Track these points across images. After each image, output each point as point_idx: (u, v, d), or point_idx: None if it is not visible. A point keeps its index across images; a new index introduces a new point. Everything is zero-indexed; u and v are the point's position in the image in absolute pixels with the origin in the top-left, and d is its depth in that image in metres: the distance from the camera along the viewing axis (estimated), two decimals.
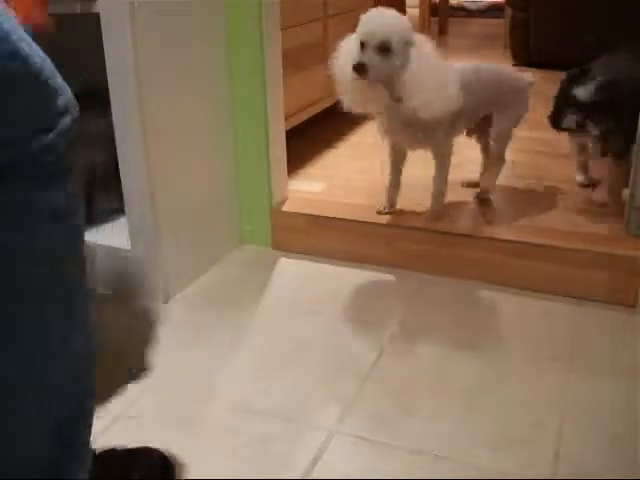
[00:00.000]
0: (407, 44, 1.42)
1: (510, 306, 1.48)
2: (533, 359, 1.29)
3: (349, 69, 1.42)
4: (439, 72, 1.46)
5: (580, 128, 1.56)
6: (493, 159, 1.74)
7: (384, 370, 1.27)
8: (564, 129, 1.62)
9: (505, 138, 1.71)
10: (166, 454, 1.02)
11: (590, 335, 1.36)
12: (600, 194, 1.69)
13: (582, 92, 1.53)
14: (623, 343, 1.33)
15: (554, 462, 1.04)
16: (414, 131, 1.54)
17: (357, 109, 1.54)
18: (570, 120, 1.57)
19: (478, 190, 1.77)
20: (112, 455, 0.97)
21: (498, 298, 1.50)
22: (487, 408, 1.16)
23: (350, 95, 1.51)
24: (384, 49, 1.40)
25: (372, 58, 1.39)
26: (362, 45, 1.41)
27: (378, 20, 1.43)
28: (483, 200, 1.74)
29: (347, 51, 1.47)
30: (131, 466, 0.96)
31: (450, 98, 1.45)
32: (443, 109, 1.46)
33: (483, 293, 1.52)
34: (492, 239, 1.55)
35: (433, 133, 1.55)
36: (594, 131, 1.55)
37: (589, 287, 1.47)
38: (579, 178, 1.82)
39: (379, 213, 1.67)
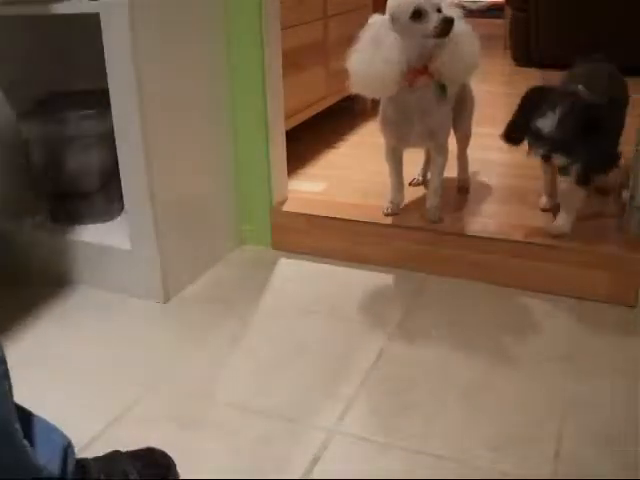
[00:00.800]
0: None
1: (510, 306, 1.48)
2: (533, 359, 1.29)
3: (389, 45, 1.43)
4: (473, 38, 1.54)
5: (548, 159, 1.52)
6: (464, 155, 1.84)
7: (384, 370, 1.27)
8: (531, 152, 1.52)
9: (470, 133, 1.81)
10: (168, 454, 1.02)
11: (590, 335, 1.36)
12: (558, 224, 1.54)
13: (545, 125, 1.44)
14: (623, 343, 1.33)
15: (554, 462, 1.04)
16: (429, 120, 1.54)
17: (387, 92, 1.51)
18: (537, 153, 1.50)
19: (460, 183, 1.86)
20: (115, 456, 0.97)
21: (498, 298, 1.50)
22: (487, 408, 1.16)
23: (387, 77, 1.46)
24: (439, 11, 1.44)
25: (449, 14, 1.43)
26: (417, 14, 1.41)
27: None
28: (464, 189, 1.84)
29: (379, 33, 1.45)
30: (133, 466, 0.96)
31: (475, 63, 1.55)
32: (472, 72, 1.56)
33: (483, 293, 1.52)
34: (492, 239, 1.55)
35: (445, 123, 1.58)
36: (561, 161, 1.49)
37: (589, 287, 1.47)
38: (543, 201, 1.69)
39: (386, 215, 1.67)
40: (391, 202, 1.68)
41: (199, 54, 1.55)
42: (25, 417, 0.84)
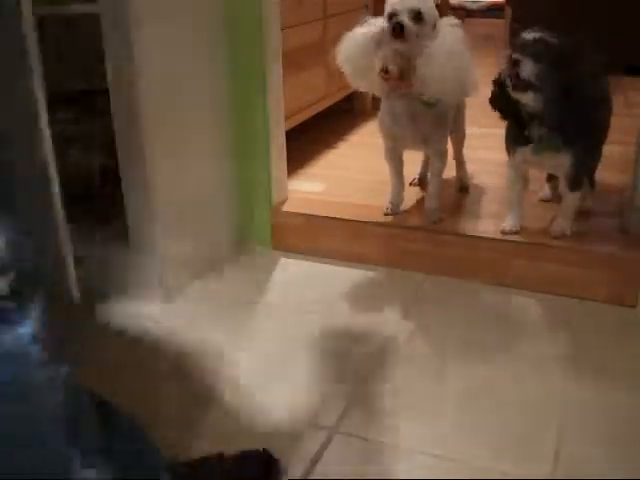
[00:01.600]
0: (433, 22, 1.46)
1: (510, 306, 1.48)
2: (533, 359, 1.29)
3: (365, 44, 1.48)
4: (461, 55, 1.47)
5: (515, 66, 1.34)
6: (460, 156, 1.83)
7: (384, 370, 1.26)
8: (499, 99, 1.43)
9: (464, 134, 1.81)
10: (273, 455, 1.00)
11: (590, 335, 1.36)
12: (559, 227, 1.54)
13: (531, 34, 1.37)
14: (623, 343, 1.33)
15: (554, 462, 1.04)
16: (420, 126, 1.54)
17: (365, 87, 1.58)
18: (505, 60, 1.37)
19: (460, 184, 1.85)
20: (218, 458, 0.97)
21: (498, 298, 1.50)
22: (487, 408, 1.16)
23: (361, 70, 1.52)
24: (416, 17, 1.42)
25: (408, 21, 1.42)
26: (391, 16, 1.43)
27: None
28: (464, 188, 1.84)
29: (362, 32, 1.50)
30: (236, 467, 0.95)
31: (471, 84, 1.49)
32: (461, 94, 1.52)
33: (483, 293, 1.52)
34: (492, 239, 1.55)
35: (439, 129, 1.57)
36: (528, 72, 1.33)
37: (589, 287, 1.47)
38: (508, 223, 1.57)
39: (386, 215, 1.67)
40: (391, 202, 1.68)
41: (199, 54, 1.54)
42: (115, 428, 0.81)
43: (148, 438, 0.87)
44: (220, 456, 0.98)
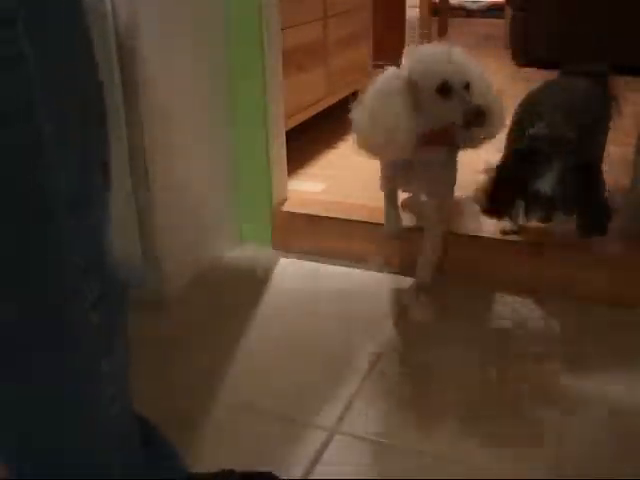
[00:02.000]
0: None
1: (510, 306, 1.48)
2: (533, 359, 1.29)
3: (401, 114, 1.29)
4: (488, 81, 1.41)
5: (547, 221, 1.42)
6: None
7: (384, 370, 1.27)
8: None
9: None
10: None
11: (590, 335, 1.36)
12: (559, 225, 1.51)
13: (544, 185, 1.31)
14: (623, 343, 1.33)
15: (554, 461, 1.04)
16: (424, 183, 1.45)
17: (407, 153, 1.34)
18: (536, 215, 1.40)
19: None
20: (228, 476, 0.97)
21: (498, 298, 1.50)
22: (487, 408, 1.16)
23: (404, 139, 1.31)
24: (467, 87, 1.29)
25: (470, 100, 1.26)
26: (444, 88, 1.27)
27: (455, 59, 1.31)
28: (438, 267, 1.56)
29: (391, 96, 1.32)
30: None
31: None
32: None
33: (483, 293, 1.52)
34: (492, 239, 1.55)
35: (447, 178, 1.47)
36: (560, 219, 1.41)
37: (589, 287, 1.47)
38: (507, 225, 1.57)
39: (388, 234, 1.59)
40: (388, 233, 1.57)
41: (199, 54, 1.54)
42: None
43: (177, 456, 0.90)
44: (231, 472, 0.98)
